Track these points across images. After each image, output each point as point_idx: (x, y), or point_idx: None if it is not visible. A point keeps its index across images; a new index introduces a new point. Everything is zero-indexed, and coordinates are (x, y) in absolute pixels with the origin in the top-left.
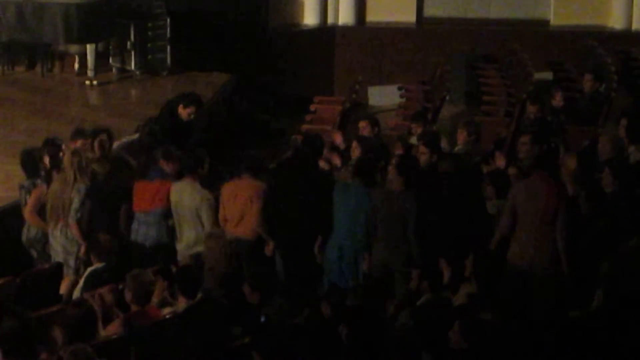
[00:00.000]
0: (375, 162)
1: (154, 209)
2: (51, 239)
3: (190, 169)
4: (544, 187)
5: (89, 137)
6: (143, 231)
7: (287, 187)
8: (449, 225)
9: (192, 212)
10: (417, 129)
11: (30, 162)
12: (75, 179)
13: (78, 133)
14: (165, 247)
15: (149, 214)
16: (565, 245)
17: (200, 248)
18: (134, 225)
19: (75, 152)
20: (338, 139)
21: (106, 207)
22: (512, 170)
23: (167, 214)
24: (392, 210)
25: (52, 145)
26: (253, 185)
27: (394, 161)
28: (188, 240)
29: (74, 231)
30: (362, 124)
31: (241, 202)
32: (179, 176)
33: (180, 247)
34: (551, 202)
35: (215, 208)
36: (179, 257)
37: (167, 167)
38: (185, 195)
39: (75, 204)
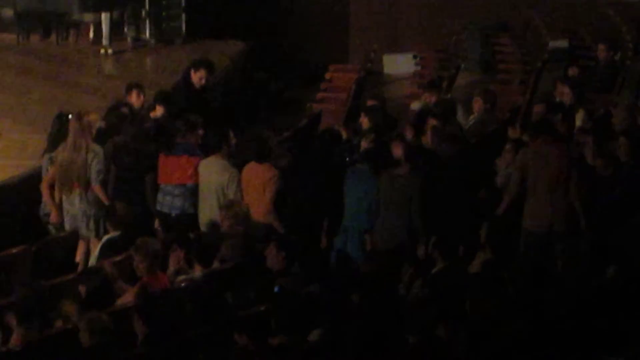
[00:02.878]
0: (384, 147)
1: (182, 183)
2: (66, 206)
3: (215, 146)
4: (554, 151)
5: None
6: (168, 202)
7: (297, 171)
8: (461, 197)
9: (218, 189)
10: (431, 98)
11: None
12: (86, 142)
13: (134, 86)
14: (190, 217)
15: (175, 187)
16: (581, 205)
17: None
18: (160, 196)
19: (78, 117)
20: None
21: (130, 175)
22: (526, 138)
23: (195, 189)
24: (395, 192)
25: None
26: (267, 172)
27: (402, 148)
28: (211, 215)
29: (99, 194)
30: (370, 103)
31: (256, 188)
32: (204, 150)
33: (202, 221)
34: (563, 165)
35: (240, 186)
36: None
37: (191, 137)
38: (213, 171)
39: (96, 166)
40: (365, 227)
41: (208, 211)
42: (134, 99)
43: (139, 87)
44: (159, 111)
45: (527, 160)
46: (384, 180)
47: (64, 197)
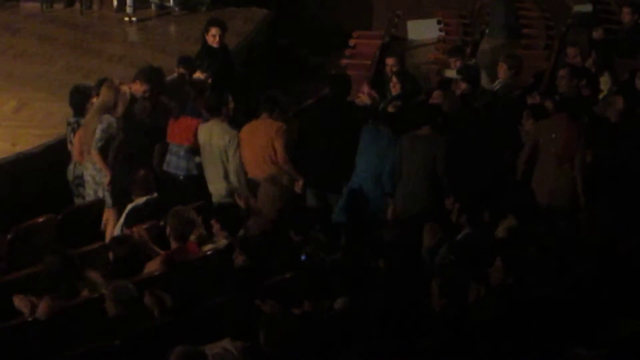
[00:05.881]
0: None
1: (181, 143)
2: (83, 171)
3: (214, 110)
4: (565, 126)
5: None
6: (174, 163)
7: (318, 124)
8: (485, 161)
9: (220, 152)
10: (456, 63)
11: (78, 100)
12: (103, 111)
13: (183, 61)
14: (195, 178)
15: (179, 148)
16: (582, 183)
17: (225, 186)
18: (167, 156)
19: (110, 85)
20: (366, 89)
21: (143, 146)
22: (548, 104)
23: (193, 150)
24: (418, 153)
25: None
26: (272, 126)
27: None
28: (215, 179)
29: (96, 160)
30: (392, 61)
31: (260, 144)
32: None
33: (210, 186)
34: (571, 141)
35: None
36: (213, 198)
37: (200, 100)
38: (214, 134)
39: (98, 133)
40: (387, 190)
41: (214, 175)
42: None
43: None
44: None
45: (541, 130)
46: (405, 142)
47: (82, 163)
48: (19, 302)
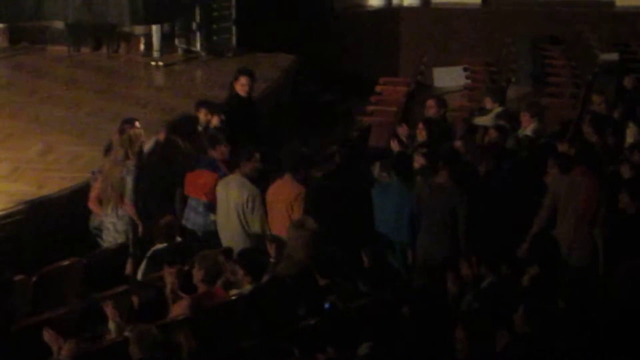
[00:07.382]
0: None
1: (199, 199)
2: (104, 219)
3: (234, 164)
4: (585, 183)
5: (214, 111)
6: (192, 218)
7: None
8: (510, 208)
9: (237, 208)
10: (489, 104)
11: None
12: (126, 157)
13: (202, 103)
14: (213, 234)
15: (198, 203)
16: (602, 243)
17: (241, 245)
18: (186, 210)
19: (120, 130)
20: (403, 131)
21: (159, 190)
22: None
23: (212, 206)
24: (438, 204)
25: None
26: (292, 190)
27: (441, 155)
28: (231, 235)
29: (129, 211)
30: (430, 103)
31: (280, 207)
32: (230, 164)
33: (224, 241)
34: (592, 198)
35: (262, 205)
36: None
37: (215, 154)
38: (232, 190)
39: (129, 183)
40: (406, 241)
41: (230, 230)
42: (202, 117)
43: (208, 105)
44: (214, 120)
45: (560, 188)
46: (423, 191)
47: (102, 210)
48: (49, 337)
